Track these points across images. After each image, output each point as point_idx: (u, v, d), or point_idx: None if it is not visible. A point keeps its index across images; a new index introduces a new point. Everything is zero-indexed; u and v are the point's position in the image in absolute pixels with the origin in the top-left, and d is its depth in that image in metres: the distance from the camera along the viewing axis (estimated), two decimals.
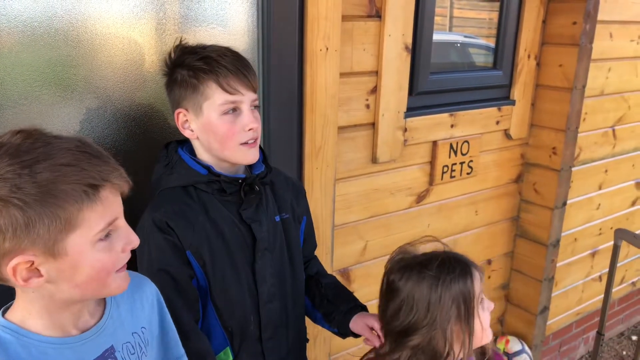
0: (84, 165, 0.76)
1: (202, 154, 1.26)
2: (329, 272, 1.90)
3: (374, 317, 1.29)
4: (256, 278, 1.27)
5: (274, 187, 1.35)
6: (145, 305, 0.99)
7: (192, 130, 1.23)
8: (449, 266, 1.08)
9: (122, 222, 0.83)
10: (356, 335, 1.35)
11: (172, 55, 1.23)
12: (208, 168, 1.23)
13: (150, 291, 1.01)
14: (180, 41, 1.25)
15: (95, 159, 0.79)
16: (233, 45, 1.57)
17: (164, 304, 1.05)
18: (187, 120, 1.22)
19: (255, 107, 1.24)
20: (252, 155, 1.24)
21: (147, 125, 1.47)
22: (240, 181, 1.25)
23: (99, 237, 0.79)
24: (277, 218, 1.33)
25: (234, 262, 1.25)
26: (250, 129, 1.21)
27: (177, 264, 1.18)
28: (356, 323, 1.33)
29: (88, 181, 0.76)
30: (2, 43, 1.23)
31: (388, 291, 1.13)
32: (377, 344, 1.25)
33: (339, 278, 1.98)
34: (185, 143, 1.30)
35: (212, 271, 1.22)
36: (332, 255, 1.91)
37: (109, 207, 0.80)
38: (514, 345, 2.64)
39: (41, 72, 1.29)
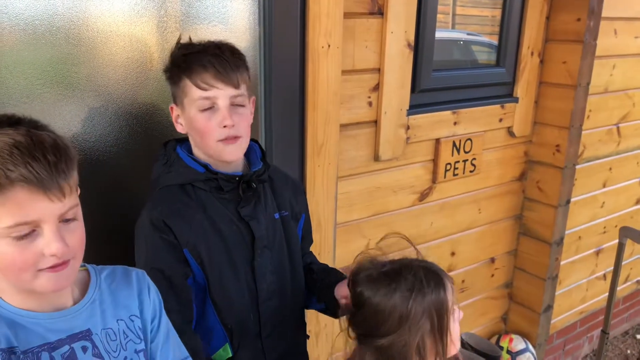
0: (1, 161, 0.76)
1: (197, 151, 1.27)
2: None
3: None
4: (255, 276, 1.27)
5: (273, 184, 1.35)
6: (135, 295, 0.99)
7: (182, 125, 1.26)
8: (422, 278, 1.04)
9: (47, 227, 0.81)
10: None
11: (173, 51, 1.26)
12: (205, 166, 1.24)
13: (141, 282, 1.01)
14: (180, 37, 1.28)
15: (25, 156, 0.77)
16: (235, 43, 1.57)
17: (162, 301, 1.05)
18: (178, 115, 1.26)
19: (238, 104, 1.22)
20: (229, 152, 1.22)
21: (149, 123, 1.47)
22: (237, 179, 1.25)
23: (8, 233, 0.79)
24: (277, 215, 1.33)
25: (232, 259, 1.24)
26: (225, 126, 1.19)
27: (172, 263, 1.18)
28: (337, 291, 1.30)
29: None
30: (4, 41, 1.23)
31: (356, 303, 1.09)
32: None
33: None
34: (184, 142, 1.31)
35: (209, 268, 1.22)
36: (334, 254, 1.91)
37: (21, 207, 0.78)
38: (518, 343, 2.63)
39: (43, 71, 1.29)
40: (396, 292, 1.03)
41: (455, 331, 1.08)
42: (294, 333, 1.40)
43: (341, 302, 1.27)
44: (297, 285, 1.38)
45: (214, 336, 1.26)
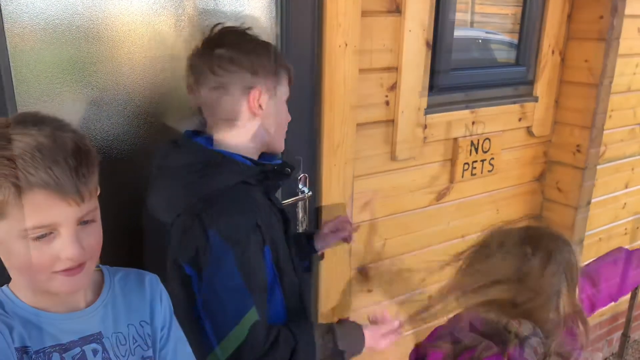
0: (23, 164, 0.76)
1: (246, 140, 1.26)
2: (347, 270, 1.90)
3: (339, 218, 1.60)
4: (292, 255, 1.33)
5: None
6: (147, 300, 0.99)
7: (261, 110, 1.25)
8: (555, 243, 1.13)
9: (65, 231, 0.81)
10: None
11: (237, 33, 1.27)
12: (251, 159, 1.24)
13: (154, 288, 1.00)
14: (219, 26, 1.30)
15: (46, 160, 0.77)
16: None
17: (172, 309, 1.04)
18: (259, 96, 1.24)
19: None
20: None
21: (167, 122, 1.48)
22: (276, 167, 1.29)
23: (27, 234, 0.80)
24: None
25: (284, 247, 1.29)
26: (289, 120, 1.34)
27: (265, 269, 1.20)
28: (320, 239, 1.55)
29: (12, 180, 0.77)
30: (24, 40, 1.25)
31: (489, 269, 1.15)
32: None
33: (356, 275, 1.98)
34: (196, 135, 1.31)
35: (283, 262, 1.25)
36: (350, 253, 1.90)
37: (39, 211, 0.78)
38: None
39: (63, 69, 1.31)
40: (535, 257, 1.10)
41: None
42: None
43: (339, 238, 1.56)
44: None
45: (278, 320, 1.28)
